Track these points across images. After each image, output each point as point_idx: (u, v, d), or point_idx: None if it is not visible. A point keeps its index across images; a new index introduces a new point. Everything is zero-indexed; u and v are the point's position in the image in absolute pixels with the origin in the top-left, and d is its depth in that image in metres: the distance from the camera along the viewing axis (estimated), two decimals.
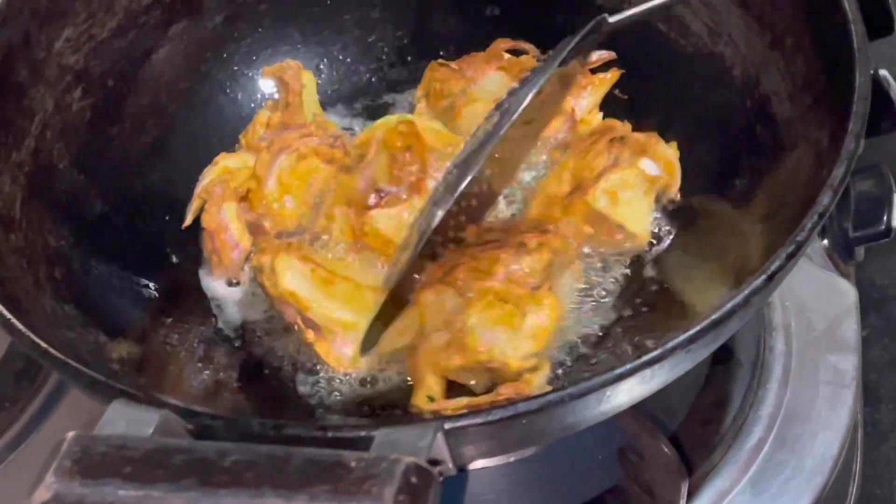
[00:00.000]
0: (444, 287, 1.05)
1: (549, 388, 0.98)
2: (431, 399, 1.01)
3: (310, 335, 1.07)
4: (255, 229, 1.19)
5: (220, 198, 1.19)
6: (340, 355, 1.07)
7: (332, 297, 1.08)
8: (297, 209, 1.20)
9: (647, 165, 1.15)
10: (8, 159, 1.06)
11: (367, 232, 1.13)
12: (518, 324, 1.03)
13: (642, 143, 1.15)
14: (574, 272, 1.11)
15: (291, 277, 1.07)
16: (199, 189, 1.22)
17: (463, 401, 0.99)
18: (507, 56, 1.28)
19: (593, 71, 1.26)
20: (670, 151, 1.16)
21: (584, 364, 1.06)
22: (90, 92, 1.18)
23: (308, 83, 1.30)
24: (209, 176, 1.22)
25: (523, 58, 1.28)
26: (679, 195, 1.16)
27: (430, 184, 1.13)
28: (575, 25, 1.26)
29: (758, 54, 1.10)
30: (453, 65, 1.28)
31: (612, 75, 1.25)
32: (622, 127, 1.17)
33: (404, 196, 1.13)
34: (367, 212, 1.13)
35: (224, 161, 1.24)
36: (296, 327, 1.09)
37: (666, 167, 1.15)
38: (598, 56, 1.26)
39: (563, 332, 1.07)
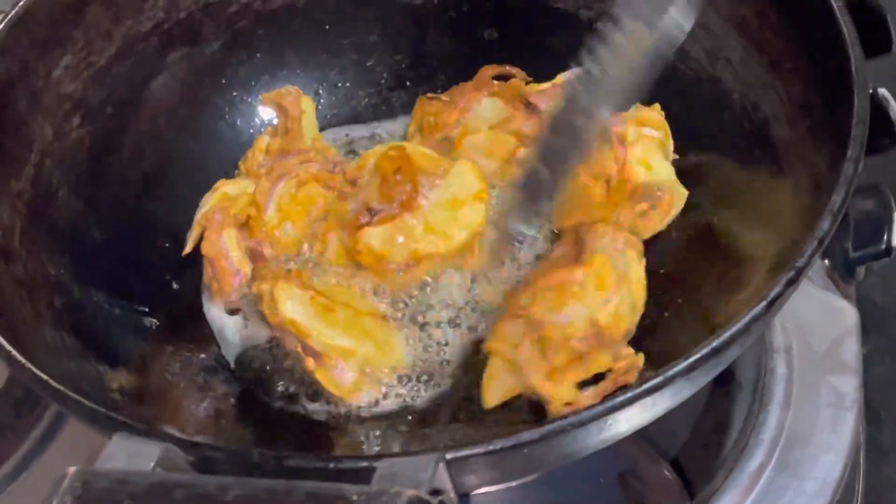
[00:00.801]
0: (497, 327, 1.07)
1: (641, 357, 0.99)
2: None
3: (310, 363, 1.07)
4: (254, 256, 1.19)
5: (219, 225, 1.19)
6: (341, 382, 1.07)
7: (332, 325, 1.07)
8: (297, 235, 1.20)
9: (650, 131, 1.18)
10: (7, 188, 1.06)
11: (360, 250, 1.13)
12: (580, 291, 1.03)
13: (633, 116, 1.19)
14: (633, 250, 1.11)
15: (291, 305, 1.07)
16: (198, 216, 1.22)
17: (590, 392, 0.99)
18: (495, 82, 1.29)
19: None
20: (656, 114, 1.20)
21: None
22: (89, 120, 1.18)
23: (307, 108, 1.30)
24: (209, 202, 1.22)
25: (513, 82, 1.29)
26: (677, 155, 1.20)
27: (423, 202, 1.13)
28: (572, 48, 1.27)
29: (756, 78, 1.10)
30: (444, 97, 1.29)
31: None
32: None
33: (396, 212, 1.13)
34: (360, 230, 1.13)
35: (224, 187, 1.24)
36: (296, 354, 1.08)
37: (661, 127, 1.19)
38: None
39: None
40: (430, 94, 1.30)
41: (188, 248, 1.20)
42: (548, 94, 1.24)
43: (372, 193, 1.16)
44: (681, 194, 1.16)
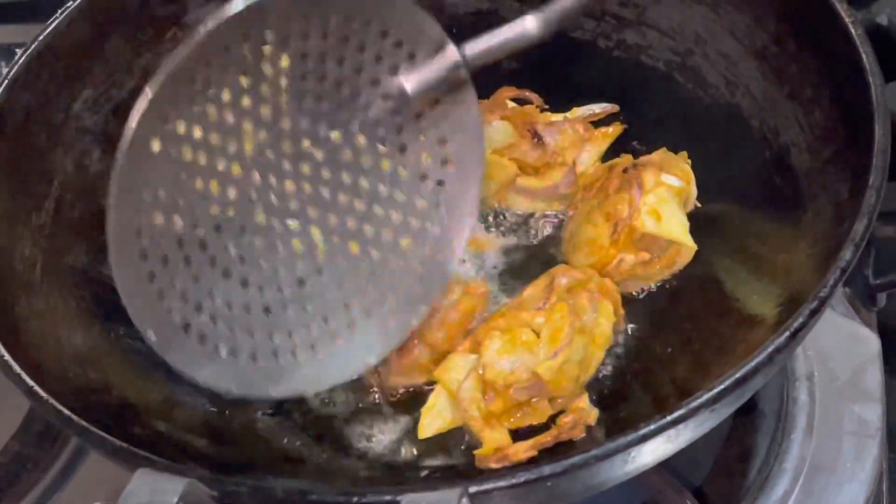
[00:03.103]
0: (450, 357, 1.07)
1: (595, 412, 1.02)
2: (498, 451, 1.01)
3: None
4: None
5: None
6: None
7: None
8: None
9: (669, 179, 1.16)
10: (28, 222, 1.07)
11: None
12: (532, 339, 1.04)
13: (657, 161, 1.17)
14: (608, 303, 1.11)
15: None
16: None
17: (526, 443, 0.99)
18: (511, 104, 1.28)
19: (595, 124, 1.26)
20: (682, 161, 1.18)
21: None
22: (109, 153, 1.17)
23: None
24: None
25: (527, 107, 1.28)
26: (699, 203, 1.18)
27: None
28: (590, 78, 1.27)
29: (775, 105, 1.10)
30: None
31: (614, 129, 1.26)
32: (624, 159, 1.19)
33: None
34: None
35: None
36: None
37: (684, 177, 1.17)
38: (601, 108, 1.27)
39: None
40: None
41: None
42: (556, 127, 1.24)
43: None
44: (688, 249, 1.14)
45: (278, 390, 0.98)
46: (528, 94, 1.29)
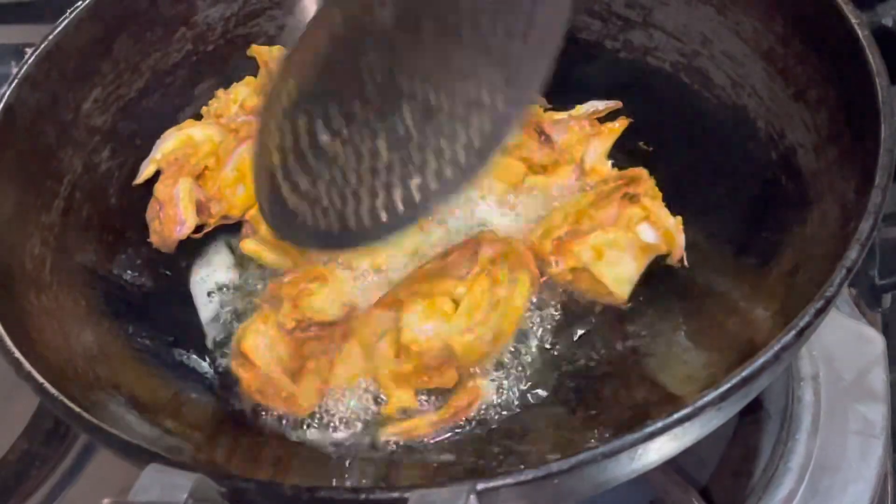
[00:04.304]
0: (377, 310, 1.08)
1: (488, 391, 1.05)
2: (405, 411, 1.05)
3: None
4: (200, 208, 1.20)
5: (177, 171, 1.20)
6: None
7: None
8: (247, 199, 1.21)
9: (645, 232, 1.15)
10: (38, 221, 1.07)
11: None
12: (450, 310, 1.06)
13: (647, 209, 1.16)
14: (526, 277, 1.11)
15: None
16: (158, 152, 1.22)
17: (425, 419, 1.04)
18: None
19: (601, 120, 1.27)
20: (672, 222, 1.16)
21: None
22: (119, 152, 1.19)
23: None
24: (171, 142, 1.23)
25: (531, 107, 1.28)
26: (684, 263, 1.16)
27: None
28: (595, 78, 1.27)
29: (782, 106, 1.10)
30: None
31: (620, 124, 1.26)
32: (644, 181, 1.18)
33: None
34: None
35: (189, 129, 1.24)
36: None
37: (665, 236, 1.15)
38: (605, 105, 1.27)
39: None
40: None
41: (139, 180, 1.21)
42: (562, 125, 1.25)
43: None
44: (617, 298, 1.13)
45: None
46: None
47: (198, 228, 1.20)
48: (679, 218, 1.16)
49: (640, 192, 1.16)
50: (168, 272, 1.20)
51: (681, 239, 1.15)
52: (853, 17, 1.00)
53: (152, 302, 1.16)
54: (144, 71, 1.21)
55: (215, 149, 1.22)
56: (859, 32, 0.99)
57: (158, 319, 1.14)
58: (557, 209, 1.18)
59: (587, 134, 1.25)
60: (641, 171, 1.19)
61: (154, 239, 1.20)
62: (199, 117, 1.28)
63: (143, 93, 1.22)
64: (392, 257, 1.16)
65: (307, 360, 1.07)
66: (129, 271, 1.16)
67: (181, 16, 1.24)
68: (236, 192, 1.21)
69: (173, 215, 1.18)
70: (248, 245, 1.18)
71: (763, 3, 1.12)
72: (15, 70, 1.11)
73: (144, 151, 1.22)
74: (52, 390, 0.86)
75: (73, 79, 1.15)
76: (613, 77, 1.29)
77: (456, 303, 1.07)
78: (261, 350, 1.06)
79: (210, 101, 1.30)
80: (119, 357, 1.05)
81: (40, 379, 0.87)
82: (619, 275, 1.13)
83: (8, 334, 0.90)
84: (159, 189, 1.19)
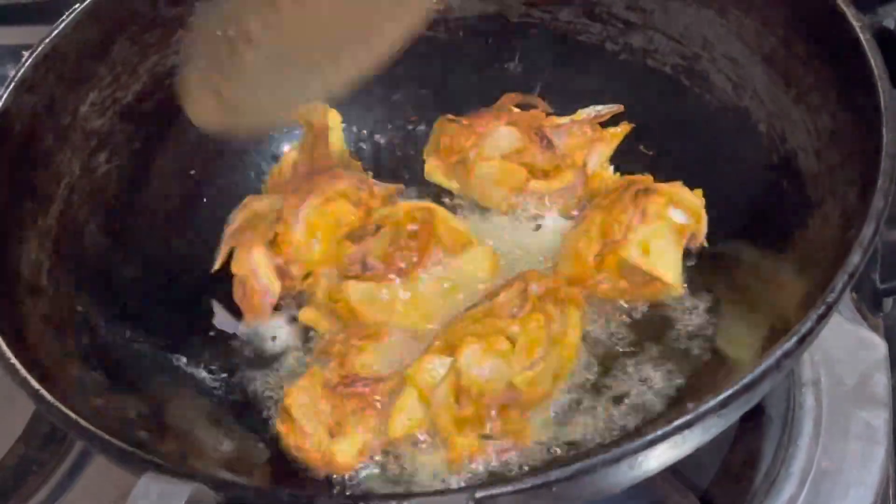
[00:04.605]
0: (429, 357, 1.06)
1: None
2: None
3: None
4: (282, 274, 1.19)
5: (249, 242, 1.19)
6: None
7: None
8: (323, 252, 1.20)
9: (675, 214, 1.15)
10: (35, 225, 1.07)
11: (337, 299, 1.14)
12: (507, 348, 1.04)
13: (668, 192, 1.16)
14: (575, 311, 1.11)
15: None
16: (227, 234, 1.22)
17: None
18: (515, 110, 1.29)
19: (603, 125, 1.26)
20: (696, 199, 1.17)
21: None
22: (116, 155, 1.18)
23: (334, 124, 1.31)
24: (237, 220, 1.22)
25: (533, 111, 1.29)
26: (706, 242, 1.17)
27: (422, 275, 1.14)
28: (596, 81, 1.27)
29: (783, 109, 1.10)
30: (464, 120, 1.28)
31: (622, 129, 1.26)
32: (644, 179, 1.17)
33: (391, 276, 1.14)
34: (346, 280, 1.14)
35: (252, 204, 1.24)
36: None
37: (693, 215, 1.16)
38: (607, 109, 1.27)
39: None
40: (450, 116, 1.29)
41: (217, 265, 1.21)
42: (564, 130, 1.24)
43: (377, 247, 1.16)
44: (673, 289, 1.14)
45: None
46: (532, 98, 1.29)
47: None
48: (699, 191, 1.17)
49: (650, 186, 1.16)
50: (162, 272, 1.20)
51: (705, 214, 1.16)
52: (855, 20, 1.00)
53: (151, 305, 1.15)
54: (142, 74, 1.21)
55: (280, 216, 1.21)
56: (861, 35, 0.99)
57: (156, 323, 1.13)
58: (578, 234, 1.18)
59: (589, 138, 1.25)
60: (637, 177, 1.18)
61: (248, 318, 1.20)
62: None
63: (140, 96, 1.21)
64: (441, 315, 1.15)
65: (348, 417, 1.05)
66: (128, 272, 1.16)
67: (179, 18, 1.23)
68: (312, 249, 1.20)
69: (256, 287, 1.18)
70: (306, 314, 1.19)
71: (765, 5, 1.12)
72: (12, 73, 1.10)
73: (143, 155, 1.21)
74: (49, 397, 0.85)
75: (70, 81, 1.14)
76: (614, 80, 1.29)
77: (511, 341, 1.05)
78: (302, 406, 1.05)
79: (264, 179, 1.32)
80: (116, 362, 1.04)
81: (36, 385, 0.86)
82: (668, 263, 1.14)
83: (4, 340, 0.89)
84: (236, 266, 1.19)
